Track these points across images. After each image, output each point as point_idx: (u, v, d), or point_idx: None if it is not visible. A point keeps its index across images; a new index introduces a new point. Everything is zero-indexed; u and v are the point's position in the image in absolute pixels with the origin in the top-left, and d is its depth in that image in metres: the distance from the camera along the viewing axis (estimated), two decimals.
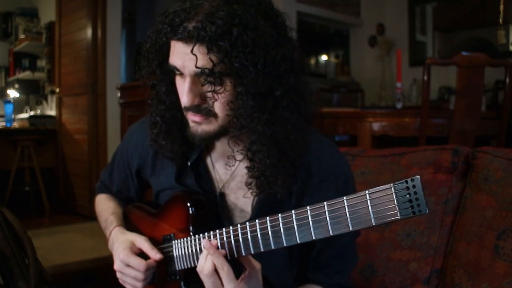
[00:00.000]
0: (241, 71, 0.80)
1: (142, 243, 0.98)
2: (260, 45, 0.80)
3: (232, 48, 0.78)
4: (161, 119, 0.95)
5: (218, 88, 0.81)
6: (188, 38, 0.79)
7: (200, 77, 0.82)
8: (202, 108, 0.85)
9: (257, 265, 0.82)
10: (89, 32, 4.17)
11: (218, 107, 0.85)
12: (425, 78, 2.43)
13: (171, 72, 0.89)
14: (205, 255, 0.81)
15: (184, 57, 0.81)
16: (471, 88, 2.42)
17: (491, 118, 2.73)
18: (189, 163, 0.99)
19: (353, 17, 5.69)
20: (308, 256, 0.98)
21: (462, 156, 1.22)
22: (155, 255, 0.96)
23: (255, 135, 0.85)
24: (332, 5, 5.37)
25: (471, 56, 2.41)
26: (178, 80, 0.88)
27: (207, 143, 0.96)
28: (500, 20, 3.17)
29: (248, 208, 0.96)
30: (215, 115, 0.86)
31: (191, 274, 0.96)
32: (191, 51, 0.79)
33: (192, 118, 0.88)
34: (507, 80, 2.54)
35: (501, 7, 3.22)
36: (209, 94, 0.83)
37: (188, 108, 0.86)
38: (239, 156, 0.91)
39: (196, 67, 0.80)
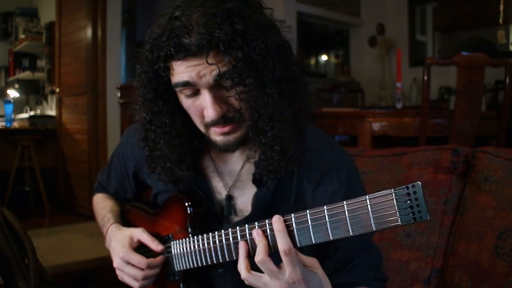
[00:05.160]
0: (260, 62, 0.78)
1: (141, 234, 0.97)
2: (263, 32, 0.79)
3: (246, 44, 0.77)
4: (170, 151, 0.91)
5: (243, 88, 0.79)
6: (198, 51, 0.76)
7: (220, 85, 0.80)
8: (230, 115, 0.83)
9: (314, 261, 0.77)
10: (89, 32, 4.18)
11: (245, 106, 0.82)
12: (425, 78, 2.43)
13: (173, 101, 0.87)
14: (257, 242, 0.74)
15: (198, 68, 0.78)
16: (471, 88, 2.42)
17: (491, 118, 2.73)
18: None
19: (353, 17, 5.69)
20: (327, 260, 0.92)
21: (462, 156, 1.22)
22: (156, 246, 0.95)
23: (279, 120, 0.83)
24: (332, 5, 5.37)
25: (471, 56, 2.42)
26: (188, 101, 0.85)
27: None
28: (500, 20, 3.17)
29: (247, 207, 0.96)
30: (243, 117, 0.84)
31: (190, 275, 0.96)
32: (206, 61, 0.76)
33: (221, 130, 0.84)
34: (507, 80, 2.54)
35: (501, 7, 3.22)
36: (236, 97, 0.80)
37: (216, 122, 0.83)
38: (256, 149, 0.90)
39: (219, 74, 0.77)
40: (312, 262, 0.76)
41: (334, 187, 0.90)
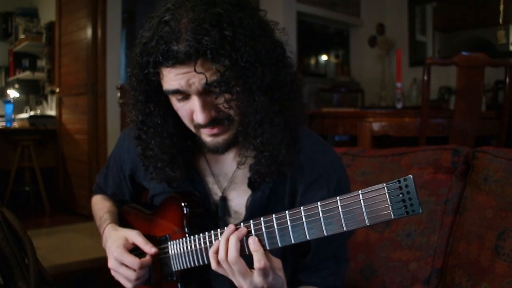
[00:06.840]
0: (248, 69, 0.78)
1: (135, 237, 0.97)
2: (253, 37, 0.78)
3: (235, 51, 0.76)
4: (162, 151, 0.92)
5: (230, 95, 0.80)
6: (186, 59, 0.75)
7: (209, 91, 0.80)
8: (220, 118, 0.84)
9: (279, 263, 0.79)
10: (89, 32, 4.17)
11: (235, 111, 0.83)
12: (425, 78, 2.43)
13: (164, 102, 0.88)
14: (225, 240, 0.78)
15: (187, 76, 0.78)
16: (471, 88, 2.42)
17: (491, 118, 2.73)
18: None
19: (353, 17, 5.69)
20: (302, 258, 0.96)
21: (462, 156, 1.22)
22: (150, 249, 0.95)
23: (268, 126, 0.83)
24: (332, 5, 5.37)
25: (471, 56, 2.42)
26: (179, 104, 0.85)
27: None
28: (500, 20, 3.17)
29: (242, 210, 0.96)
30: (233, 120, 0.85)
31: (188, 275, 0.96)
32: (194, 70, 0.76)
33: (210, 131, 0.85)
34: (507, 80, 2.54)
35: (501, 7, 3.22)
36: (225, 104, 0.81)
37: (205, 125, 0.84)
38: (250, 152, 0.89)
39: (207, 83, 0.77)
40: (278, 263, 0.79)
41: (323, 194, 0.91)
